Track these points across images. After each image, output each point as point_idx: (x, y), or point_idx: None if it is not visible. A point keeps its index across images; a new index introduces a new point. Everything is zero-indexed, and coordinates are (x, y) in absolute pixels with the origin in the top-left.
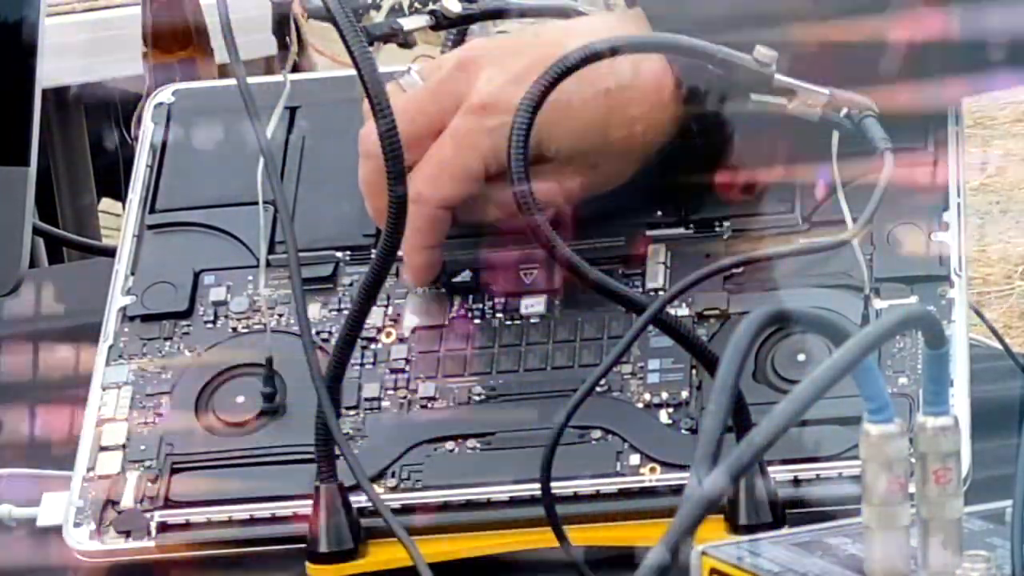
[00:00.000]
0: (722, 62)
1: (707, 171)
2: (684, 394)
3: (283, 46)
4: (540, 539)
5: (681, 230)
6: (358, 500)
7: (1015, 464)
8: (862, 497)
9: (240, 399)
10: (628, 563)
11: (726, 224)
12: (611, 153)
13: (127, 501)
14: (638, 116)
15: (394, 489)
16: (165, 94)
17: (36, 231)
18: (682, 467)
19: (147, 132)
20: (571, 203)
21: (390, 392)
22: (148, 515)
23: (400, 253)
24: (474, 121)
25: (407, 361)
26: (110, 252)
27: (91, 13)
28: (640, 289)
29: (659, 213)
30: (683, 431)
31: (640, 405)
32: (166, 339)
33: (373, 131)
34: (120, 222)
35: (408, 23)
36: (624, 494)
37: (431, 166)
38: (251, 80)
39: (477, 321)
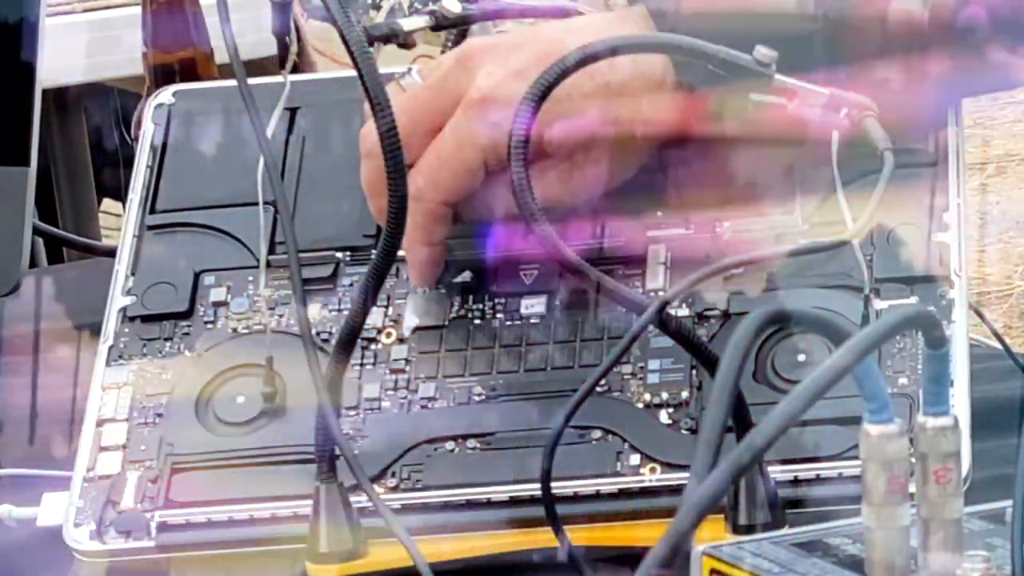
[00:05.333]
0: (722, 62)
1: (707, 171)
2: (684, 394)
3: (283, 46)
4: (540, 539)
5: (681, 230)
6: (358, 500)
7: (1015, 464)
8: (862, 497)
9: (240, 399)
10: (628, 563)
11: (726, 224)
12: (612, 148)
13: (127, 501)
14: (639, 110)
15: (394, 489)
16: (165, 94)
17: (36, 231)
18: (682, 467)
19: (147, 132)
20: (573, 200)
21: (390, 392)
22: (148, 515)
23: (402, 252)
24: (474, 116)
25: (407, 361)
26: (110, 252)
27: (91, 13)
28: (640, 289)
29: (659, 213)
30: (683, 431)
31: (640, 405)
32: (166, 339)
33: (374, 130)
34: (120, 222)
35: (408, 23)
36: (624, 494)
37: (431, 162)
38: (251, 80)
39: (477, 321)
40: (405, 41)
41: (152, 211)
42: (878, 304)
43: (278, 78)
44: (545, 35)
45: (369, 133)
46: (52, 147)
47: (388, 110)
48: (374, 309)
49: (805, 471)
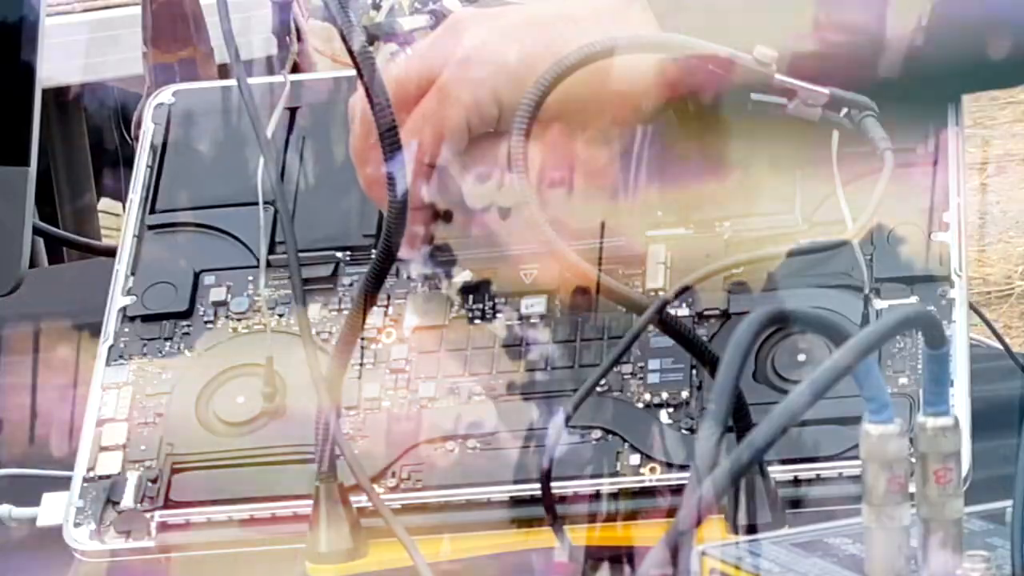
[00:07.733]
0: (722, 61)
1: (707, 170)
2: (684, 394)
3: (283, 46)
4: (540, 539)
5: (681, 230)
6: (358, 500)
7: (1015, 464)
8: (862, 497)
9: (240, 399)
10: (628, 563)
11: (726, 224)
12: (603, 115)
13: (127, 501)
14: (629, 76)
15: (394, 489)
16: (165, 94)
17: (36, 231)
18: (682, 467)
19: (147, 132)
20: (562, 166)
21: (390, 392)
22: (148, 515)
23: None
24: (458, 74)
25: (407, 361)
26: (110, 252)
27: (91, 13)
28: (640, 289)
29: (659, 213)
30: (683, 431)
31: (640, 405)
32: (166, 339)
33: (362, 97)
34: (120, 222)
35: (408, 23)
36: (624, 494)
37: (415, 121)
38: (251, 80)
39: (477, 321)
40: (405, 41)
41: (152, 211)
42: (878, 304)
43: (278, 78)
44: (536, 9)
45: (357, 100)
46: (52, 147)
47: (388, 110)
48: (374, 309)
49: (805, 471)
